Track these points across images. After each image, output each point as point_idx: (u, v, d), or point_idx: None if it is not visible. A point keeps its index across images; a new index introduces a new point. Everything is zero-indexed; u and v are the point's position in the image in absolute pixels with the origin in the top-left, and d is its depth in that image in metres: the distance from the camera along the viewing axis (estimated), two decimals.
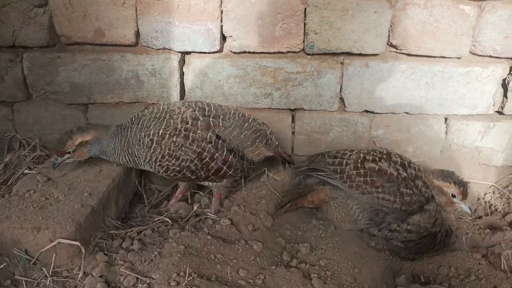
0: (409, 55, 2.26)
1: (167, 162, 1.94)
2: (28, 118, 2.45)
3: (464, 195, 1.99)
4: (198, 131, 1.93)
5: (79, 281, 1.68)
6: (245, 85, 2.33)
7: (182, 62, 2.33)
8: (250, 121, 2.10)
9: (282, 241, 2.09)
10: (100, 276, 1.68)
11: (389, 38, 2.21)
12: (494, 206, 2.40)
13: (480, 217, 2.33)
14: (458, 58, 2.24)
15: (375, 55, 2.25)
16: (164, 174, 1.99)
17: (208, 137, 1.94)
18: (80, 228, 1.76)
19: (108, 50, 2.31)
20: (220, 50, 2.30)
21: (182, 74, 2.34)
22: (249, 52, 2.29)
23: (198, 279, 1.64)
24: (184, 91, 2.39)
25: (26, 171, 2.12)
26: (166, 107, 2.01)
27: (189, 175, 1.99)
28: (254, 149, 2.10)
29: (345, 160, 2.07)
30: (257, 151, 2.11)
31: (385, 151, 2.10)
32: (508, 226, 2.19)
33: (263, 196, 2.31)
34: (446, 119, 2.40)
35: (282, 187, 2.37)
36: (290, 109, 2.42)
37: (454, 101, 2.32)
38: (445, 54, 2.22)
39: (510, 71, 2.23)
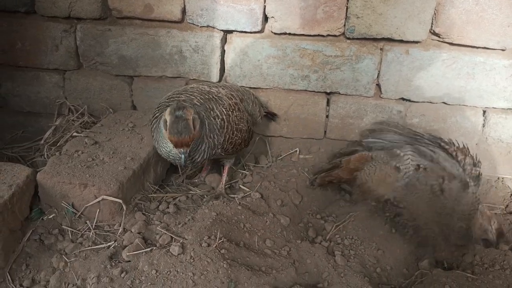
0: (451, 44, 2.23)
1: (236, 138, 1.99)
2: (77, 86, 2.61)
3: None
4: (239, 105, 2.08)
5: (119, 235, 1.82)
6: (283, 66, 2.39)
7: (224, 41, 2.41)
8: (253, 94, 2.33)
9: (309, 218, 2.16)
10: (138, 233, 1.81)
11: (432, 26, 2.20)
12: None
13: (511, 213, 2.30)
14: (502, 50, 2.20)
15: (417, 42, 2.24)
16: (231, 150, 2.03)
17: (244, 109, 2.11)
18: (122, 187, 1.89)
19: (155, 25, 2.42)
20: (261, 31, 2.36)
21: (223, 52, 2.43)
22: (289, 34, 2.34)
23: (228, 243, 1.74)
24: (224, 68, 2.48)
25: (75, 134, 2.29)
26: (198, 87, 2.06)
27: (242, 145, 2.11)
28: (260, 120, 2.35)
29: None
30: (261, 121, 2.38)
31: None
32: None
33: (293, 175, 2.38)
34: (484, 111, 2.37)
35: (312, 168, 2.43)
36: (325, 93, 2.46)
37: (494, 93, 2.28)
38: (489, 45, 2.18)
39: None
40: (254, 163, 2.51)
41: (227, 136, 1.94)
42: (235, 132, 1.98)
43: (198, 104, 1.88)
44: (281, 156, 2.54)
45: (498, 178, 2.45)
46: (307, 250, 1.91)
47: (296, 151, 2.53)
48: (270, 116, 2.52)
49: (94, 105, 2.64)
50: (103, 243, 1.80)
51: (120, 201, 1.85)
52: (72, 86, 2.62)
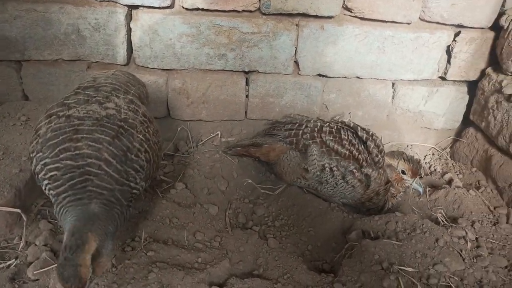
0: (362, 19, 2.27)
1: (159, 156, 1.62)
2: None
3: (414, 173, 2.11)
4: (145, 113, 1.61)
5: (21, 251, 1.55)
6: (198, 44, 2.22)
7: (129, 17, 2.16)
8: (138, 78, 1.99)
9: (237, 203, 2.08)
10: (45, 245, 1.56)
11: (344, 1, 2.20)
12: (434, 167, 2.56)
13: (421, 177, 2.48)
14: (408, 24, 2.30)
15: (331, 17, 2.24)
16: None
17: (147, 112, 1.65)
18: (20, 194, 1.61)
19: (44, 0, 2.07)
20: (171, 6, 2.15)
21: (129, 30, 2.18)
22: (202, 9, 2.17)
23: (155, 244, 1.59)
24: (132, 49, 2.23)
25: None
26: (88, 112, 1.44)
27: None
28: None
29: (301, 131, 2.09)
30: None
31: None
32: (446, 184, 2.35)
33: (217, 160, 2.27)
34: (393, 84, 2.49)
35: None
36: (244, 72, 2.36)
37: (402, 66, 2.39)
38: (397, 19, 2.26)
39: (454, 37, 2.33)
40: (173, 151, 2.34)
41: (155, 165, 1.55)
42: (158, 153, 1.58)
43: (111, 158, 1.36)
44: (202, 141, 2.40)
45: (407, 146, 2.62)
46: (239, 237, 1.84)
47: (218, 134, 2.41)
48: None
49: None
50: (1, 263, 1.51)
51: (18, 210, 1.57)
52: None
